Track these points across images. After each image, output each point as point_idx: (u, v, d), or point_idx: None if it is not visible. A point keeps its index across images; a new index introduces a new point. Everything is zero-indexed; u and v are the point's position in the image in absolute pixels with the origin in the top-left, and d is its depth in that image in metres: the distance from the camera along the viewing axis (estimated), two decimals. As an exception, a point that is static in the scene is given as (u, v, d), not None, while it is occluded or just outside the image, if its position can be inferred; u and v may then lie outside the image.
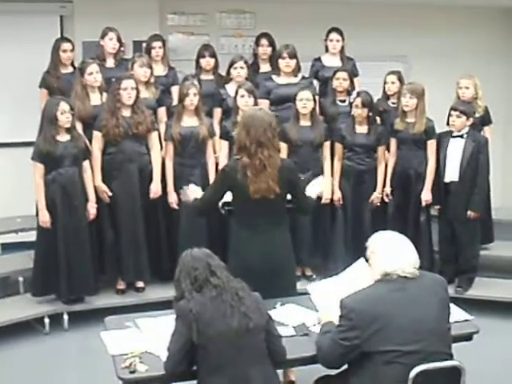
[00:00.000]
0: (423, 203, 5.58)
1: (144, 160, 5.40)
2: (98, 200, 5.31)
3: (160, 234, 5.62)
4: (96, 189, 5.29)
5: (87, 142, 5.30)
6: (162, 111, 5.78)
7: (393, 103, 5.90)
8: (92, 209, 5.24)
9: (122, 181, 5.35)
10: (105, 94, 5.53)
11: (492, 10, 7.46)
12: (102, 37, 5.87)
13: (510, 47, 7.62)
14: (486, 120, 5.90)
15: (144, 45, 6.14)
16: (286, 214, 4.03)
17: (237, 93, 5.45)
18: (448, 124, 5.74)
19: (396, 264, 3.06)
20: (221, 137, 5.59)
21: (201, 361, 3.01)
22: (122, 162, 5.33)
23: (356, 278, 3.47)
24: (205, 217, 5.06)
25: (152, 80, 5.72)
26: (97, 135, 5.30)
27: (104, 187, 5.32)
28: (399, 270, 3.05)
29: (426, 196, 5.58)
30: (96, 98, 5.52)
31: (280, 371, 3.69)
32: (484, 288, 5.61)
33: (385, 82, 5.94)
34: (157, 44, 6.01)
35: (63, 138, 5.07)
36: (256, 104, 5.43)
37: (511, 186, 7.66)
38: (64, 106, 5.01)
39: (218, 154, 5.64)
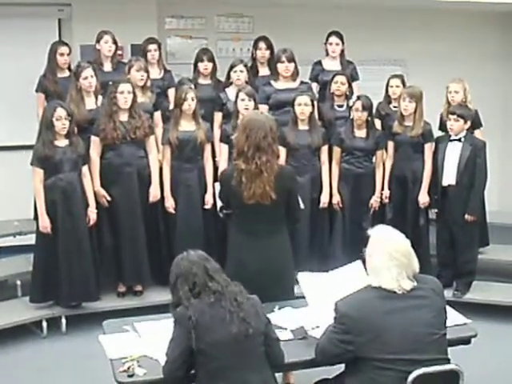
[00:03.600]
0: (420, 205, 5.60)
1: (142, 163, 5.39)
2: (98, 204, 5.30)
3: (160, 237, 5.61)
4: (95, 193, 5.29)
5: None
6: (157, 116, 5.77)
7: (394, 107, 5.85)
8: (92, 214, 5.22)
9: (121, 185, 5.34)
10: (100, 98, 5.52)
11: (488, 15, 7.49)
12: (98, 41, 5.86)
13: (506, 51, 7.64)
14: (476, 123, 5.90)
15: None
16: (284, 221, 4.00)
17: (237, 96, 5.44)
18: (440, 129, 5.76)
19: (392, 282, 3.02)
20: (221, 140, 5.60)
21: (199, 366, 3.00)
22: (120, 166, 5.32)
23: (352, 279, 3.44)
24: None
25: (148, 84, 5.72)
26: (95, 140, 5.29)
27: (103, 192, 5.31)
28: (396, 287, 3.02)
29: (423, 198, 5.60)
30: (91, 102, 5.50)
31: (279, 374, 3.69)
32: (482, 292, 5.61)
33: (390, 86, 5.92)
34: (152, 47, 6.01)
35: (62, 143, 5.05)
36: (256, 107, 5.43)
37: (508, 190, 7.68)
38: (60, 111, 4.98)
39: (219, 158, 5.64)
